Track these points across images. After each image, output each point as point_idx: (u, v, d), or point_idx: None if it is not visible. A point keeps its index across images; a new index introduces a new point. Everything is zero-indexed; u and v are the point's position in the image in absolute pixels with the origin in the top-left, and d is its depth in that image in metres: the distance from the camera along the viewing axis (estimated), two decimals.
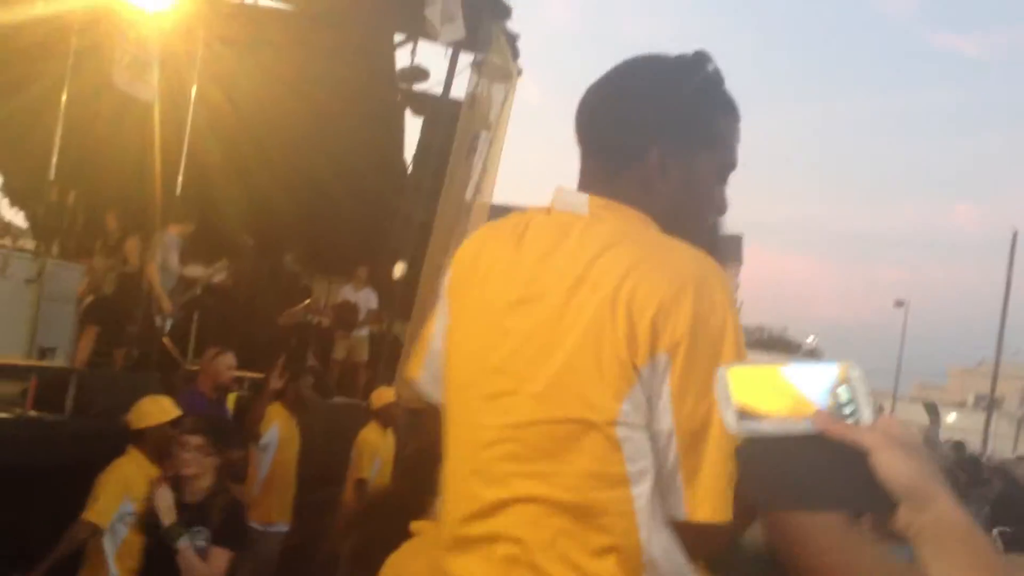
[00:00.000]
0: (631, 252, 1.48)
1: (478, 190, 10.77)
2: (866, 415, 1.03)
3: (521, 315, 1.54)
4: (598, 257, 1.49)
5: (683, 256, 1.47)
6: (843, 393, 1.04)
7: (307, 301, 11.47)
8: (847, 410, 1.03)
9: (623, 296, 1.43)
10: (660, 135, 1.59)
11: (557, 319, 1.49)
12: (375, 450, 7.43)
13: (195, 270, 10.53)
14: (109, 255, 8.48)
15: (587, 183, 1.63)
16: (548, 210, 1.63)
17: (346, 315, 11.35)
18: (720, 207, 1.67)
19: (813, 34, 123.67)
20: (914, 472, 1.00)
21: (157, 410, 5.23)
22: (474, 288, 1.64)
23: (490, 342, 1.57)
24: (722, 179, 1.66)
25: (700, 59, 1.62)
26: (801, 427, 1.03)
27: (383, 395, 7.78)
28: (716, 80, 1.62)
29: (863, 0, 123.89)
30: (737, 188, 1.68)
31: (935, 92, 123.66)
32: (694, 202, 1.62)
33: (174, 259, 9.53)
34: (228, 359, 6.81)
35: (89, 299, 8.08)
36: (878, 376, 51.71)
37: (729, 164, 1.65)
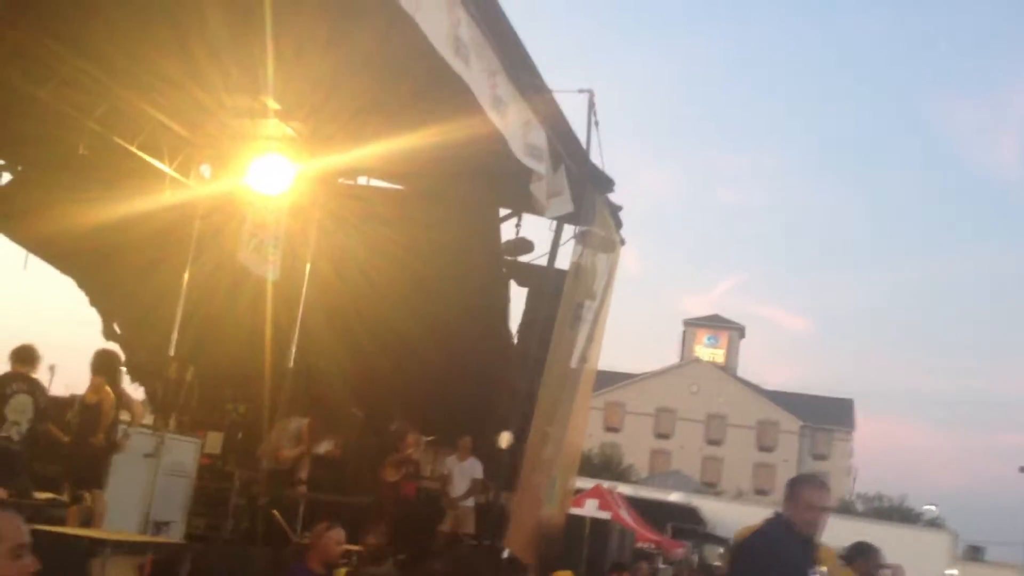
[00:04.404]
0: None
1: (584, 358, 10.75)
2: None
3: None
4: None
5: None
6: None
7: (409, 451, 11.33)
8: None
9: None
10: None
11: None
12: None
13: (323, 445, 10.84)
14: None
15: None
16: None
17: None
18: None
19: (914, 195, 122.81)
20: None
21: None
22: None
23: None
24: None
25: None
26: None
27: None
28: None
29: (964, 160, 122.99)
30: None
31: None
32: None
33: (286, 448, 9.92)
34: (338, 534, 6.74)
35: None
36: (1008, 549, 48.31)
37: None
